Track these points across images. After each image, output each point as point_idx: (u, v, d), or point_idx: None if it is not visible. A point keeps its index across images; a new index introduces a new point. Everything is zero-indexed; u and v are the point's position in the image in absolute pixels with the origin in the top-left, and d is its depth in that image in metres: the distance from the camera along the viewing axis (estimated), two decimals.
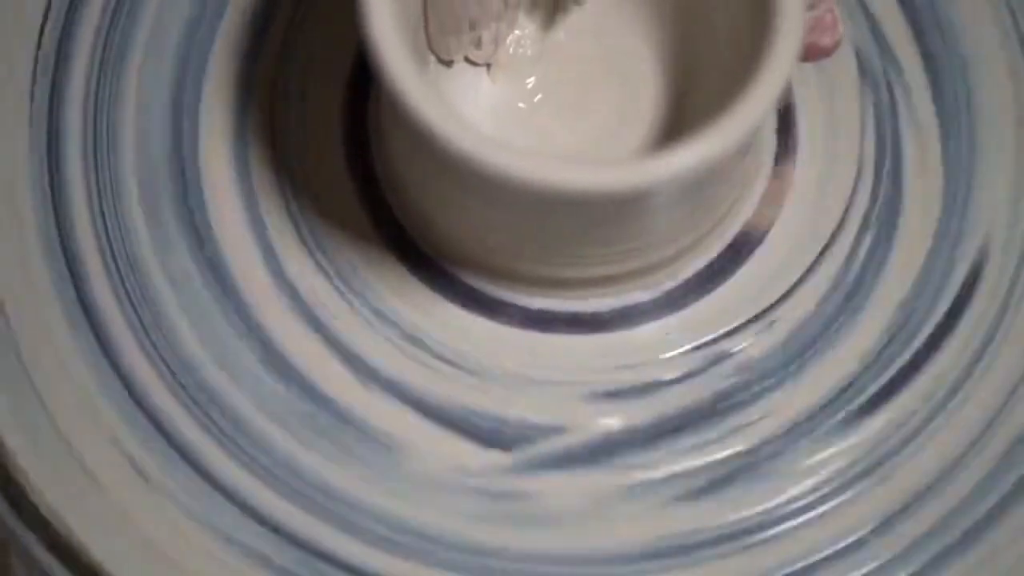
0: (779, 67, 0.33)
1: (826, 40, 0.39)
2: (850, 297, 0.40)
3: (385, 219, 0.40)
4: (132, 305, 0.40)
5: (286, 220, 0.41)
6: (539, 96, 0.41)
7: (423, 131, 0.33)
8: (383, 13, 0.33)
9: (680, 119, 0.40)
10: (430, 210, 0.39)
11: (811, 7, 0.38)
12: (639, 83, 0.41)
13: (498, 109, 0.41)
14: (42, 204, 0.41)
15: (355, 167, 0.41)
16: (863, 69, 0.42)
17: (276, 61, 0.42)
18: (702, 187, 0.36)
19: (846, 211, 0.41)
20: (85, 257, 0.40)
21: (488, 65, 0.41)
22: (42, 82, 0.42)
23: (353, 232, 0.40)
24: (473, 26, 0.38)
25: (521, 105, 0.41)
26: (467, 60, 0.41)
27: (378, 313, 0.40)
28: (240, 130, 0.41)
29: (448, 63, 0.41)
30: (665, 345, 0.39)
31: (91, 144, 0.41)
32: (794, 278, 0.40)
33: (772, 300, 0.40)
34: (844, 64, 0.42)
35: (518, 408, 0.39)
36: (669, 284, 0.40)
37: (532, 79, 0.41)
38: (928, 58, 0.42)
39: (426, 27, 0.39)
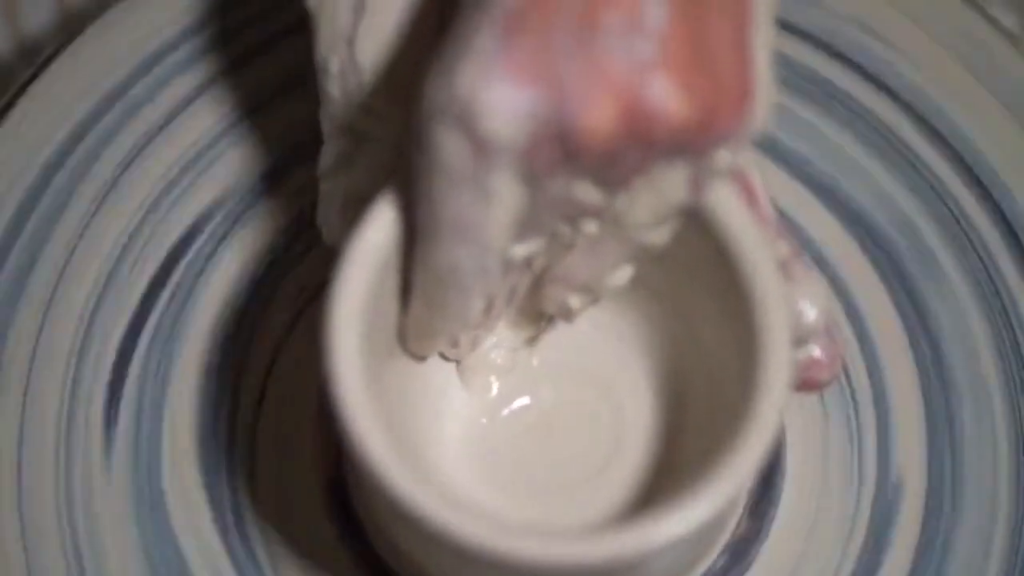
0: (763, 432, 0.32)
1: (823, 375, 0.37)
2: None
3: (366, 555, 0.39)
4: None
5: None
6: (509, 410, 0.39)
7: (378, 482, 0.31)
8: (351, 376, 0.32)
9: (666, 458, 0.38)
10: (402, 544, 0.37)
11: (802, 343, 0.36)
12: (623, 410, 0.39)
13: (467, 418, 0.39)
14: None
15: (334, 503, 0.40)
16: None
17: (253, 406, 0.42)
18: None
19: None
20: None
21: (458, 362, 0.39)
22: None
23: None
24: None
25: (484, 421, 0.39)
26: (440, 355, 0.39)
27: None
28: (214, 472, 0.41)
29: (421, 358, 0.39)
30: None
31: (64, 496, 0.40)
32: None
33: None
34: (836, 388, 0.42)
35: None
36: None
37: (506, 389, 0.39)
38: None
39: (401, 331, 0.37)
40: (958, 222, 0.44)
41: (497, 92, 0.28)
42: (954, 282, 0.43)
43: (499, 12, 0.29)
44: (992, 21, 0.47)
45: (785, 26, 0.44)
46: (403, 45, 0.35)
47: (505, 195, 0.30)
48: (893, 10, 0.46)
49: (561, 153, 0.29)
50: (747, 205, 0.36)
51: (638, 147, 0.30)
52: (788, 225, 0.42)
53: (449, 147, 0.29)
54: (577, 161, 0.30)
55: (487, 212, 0.30)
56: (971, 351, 0.42)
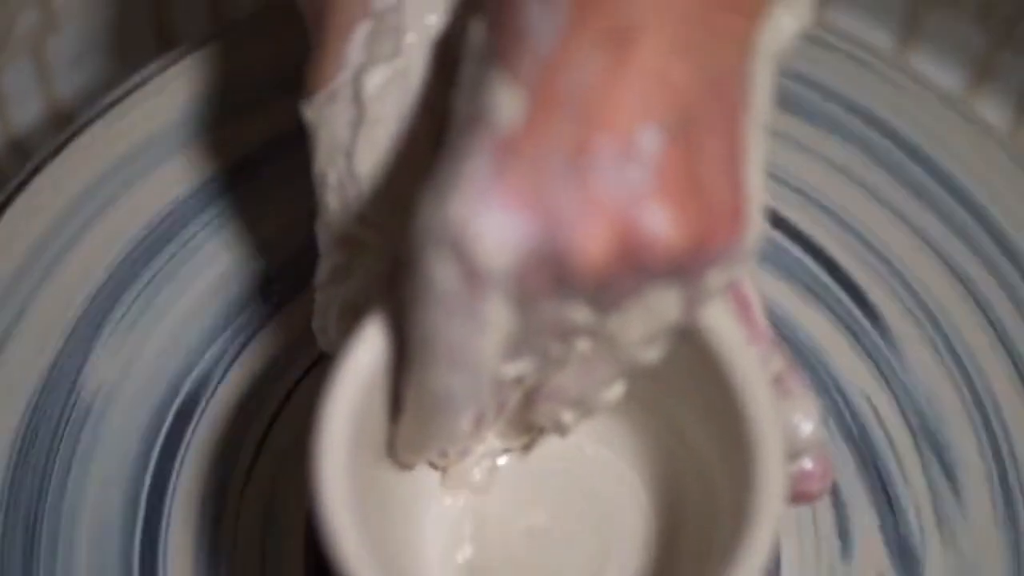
0: (758, 553, 0.32)
1: (814, 487, 0.37)
2: None
3: None
4: None
5: None
6: (496, 519, 0.39)
7: None
8: (336, 493, 0.32)
9: (659, 569, 0.37)
10: None
11: (795, 456, 0.36)
12: (614, 520, 0.38)
13: (453, 527, 0.38)
14: None
15: None
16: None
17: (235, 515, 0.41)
18: None
19: None
20: None
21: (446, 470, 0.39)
22: None
23: None
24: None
25: (470, 530, 0.38)
26: (429, 462, 0.39)
27: None
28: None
29: (409, 467, 0.38)
30: None
31: None
32: None
33: None
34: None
35: None
36: None
37: (494, 498, 0.39)
38: None
39: (390, 443, 0.37)
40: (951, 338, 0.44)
41: (490, 220, 0.28)
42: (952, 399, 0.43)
43: (492, 137, 0.29)
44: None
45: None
46: (401, 157, 0.35)
47: (498, 321, 0.30)
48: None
49: (554, 279, 0.29)
50: (741, 318, 0.36)
51: (631, 273, 0.30)
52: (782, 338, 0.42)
53: (442, 274, 0.29)
54: (570, 286, 0.30)
55: (480, 338, 0.30)
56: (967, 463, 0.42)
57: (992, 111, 0.56)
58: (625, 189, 0.29)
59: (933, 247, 0.45)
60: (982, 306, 0.44)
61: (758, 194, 0.31)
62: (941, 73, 0.56)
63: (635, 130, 0.29)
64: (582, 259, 0.29)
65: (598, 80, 0.29)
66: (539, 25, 0.30)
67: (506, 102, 0.29)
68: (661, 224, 0.29)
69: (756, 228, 0.31)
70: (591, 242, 0.29)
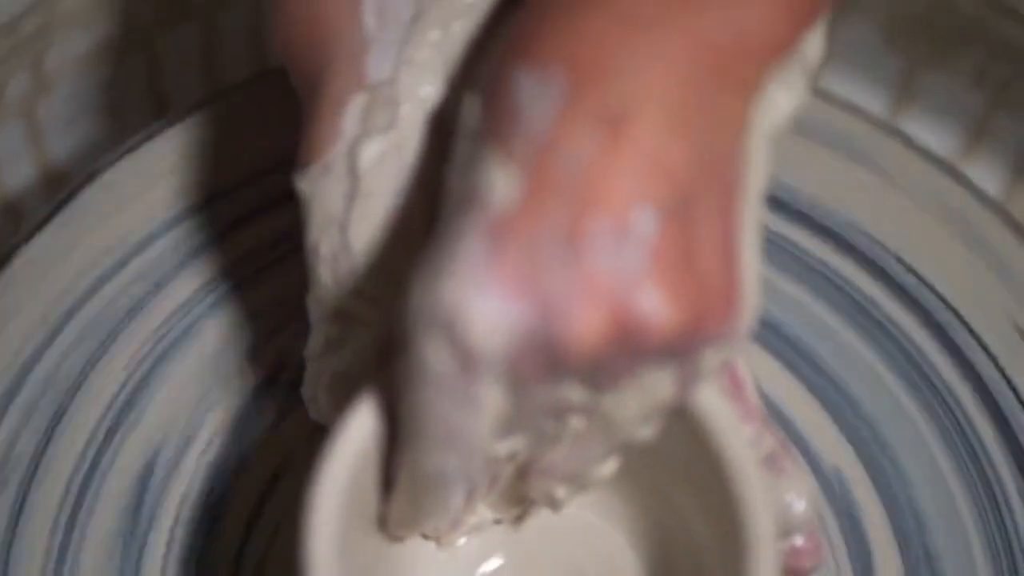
0: None
1: (806, 563, 0.37)
2: None
3: None
4: None
5: None
6: None
7: None
8: (325, 568, 0.32)
9: None
10: None
11: (787, 534, 0.36)
12: None
13: None
14: None
15: None
16: None
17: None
18: None
19: None
20: None
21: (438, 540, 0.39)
22: None
23: None
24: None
25: None
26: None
27: None
28: None
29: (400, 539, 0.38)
30: None
31: None
32: None
33: None
34: None
35: None
36: None
37: (486, 569, 0.39)
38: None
39: (382, 517, 0.36)
40: (947, 404, 0.44)
41: (484, 303, 0.28)
42: (942, 468, 0.43)
43: (485, 217, 0.29)
44: (971, 188, 0.47)
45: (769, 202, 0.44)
46: (395, 230, 0.35)
47: (491, 403, 0.30)
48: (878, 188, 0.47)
49: (548, 362, 0.29)
50: (733, 397, 0.36)
51: (626, 354, 0.29)
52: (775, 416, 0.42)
53: (434, 356, 0.29)
54: (564, 369, 0.29)
55: (473, 420, 0.30)
56: (960, 537, 0.42)
57: (987, 173, 0.56)
58: (620, 271, 0.29)
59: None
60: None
61: (753, 275, 0.31)
62: (935, 135, 0.56)
63: (630, 211, 0.29)
64: (577, 343, 0.28)
65: (593, 160, 0.29)
66: (534, 103, 0.30)
67: (500, 181, 0.29)
68: (656, 306, 0.29)
69: (751, 309, 0.31)
70: (585, 326, 0.28)
